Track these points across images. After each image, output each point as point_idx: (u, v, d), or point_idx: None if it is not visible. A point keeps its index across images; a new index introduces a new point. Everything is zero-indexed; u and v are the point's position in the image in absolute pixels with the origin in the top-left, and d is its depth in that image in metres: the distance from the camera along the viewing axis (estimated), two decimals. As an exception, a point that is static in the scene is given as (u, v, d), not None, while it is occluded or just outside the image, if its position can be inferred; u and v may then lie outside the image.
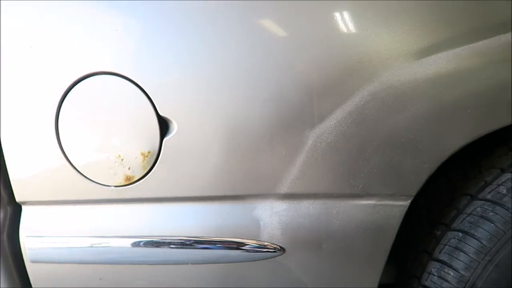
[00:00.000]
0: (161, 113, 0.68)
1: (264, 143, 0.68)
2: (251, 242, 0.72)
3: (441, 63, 0.62)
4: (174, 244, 0.75)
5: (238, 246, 0.73)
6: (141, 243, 0.76)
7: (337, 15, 0.64)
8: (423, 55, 0.63)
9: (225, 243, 0.73)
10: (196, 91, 0.68)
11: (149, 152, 0.71)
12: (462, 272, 0.71)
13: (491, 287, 0.69)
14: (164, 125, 0.70)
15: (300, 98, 0.66)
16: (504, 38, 0.61)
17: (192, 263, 0.75)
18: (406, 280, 0.87)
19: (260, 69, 0.66)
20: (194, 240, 0.74)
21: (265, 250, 0.72)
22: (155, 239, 0.76)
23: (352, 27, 0.64)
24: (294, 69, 0.65)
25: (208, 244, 0.73)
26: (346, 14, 0.63)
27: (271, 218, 0.72)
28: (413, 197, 0.68)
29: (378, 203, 0.69)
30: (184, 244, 0.74)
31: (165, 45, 0.67)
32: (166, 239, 0.75)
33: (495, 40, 0.61)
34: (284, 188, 0.70)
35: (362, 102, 0.64)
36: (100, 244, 0.77)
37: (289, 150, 0.68)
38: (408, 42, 0.63)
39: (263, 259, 0.73)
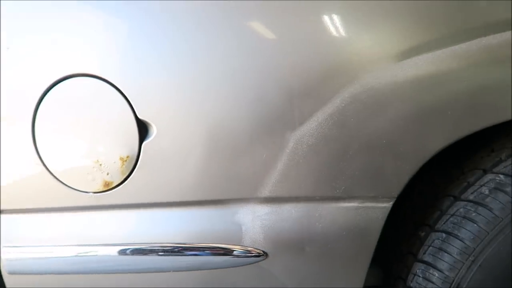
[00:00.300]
0: (140, 117, 0.67)
1: (245, 146, 0.67)
2: (233, 248, 0.71)
3: (421, 65, 0.62)
4: (154, 251, 0.73)
5: (220, 251, 0.71)
6: (125, 251, 0.74)
7: (319, 17, 0.63)
8: (404, 57, 0.62)
9: (206, 249, 0.72)
10: (175, 94, 0.67)
11: (128, 157, 0.69)
12: (447, 273, 0.70)
13: (475, 287, 0.69)
14: (143, 129, 0.68)
15: (281, 101, 0.65)
16: (485, 40, 0.61)
17: (173, 271, 0.73)
18: (392, 282, 0.86)
19: (240, 71, 0.65)
20: (174, 246, 0.72)
21: (247, 255, 0.71)
22: (134, 247, 0.74)
23: (333, 29, 0.63)
24: (275, 71, 0.65)
25: (189, 250, 0.72)
26: (327, 16, 0.63)
27: (253, 222, 0.70)
28: (395, 199, 0.67)
29: (360, 205, 0.68)
30: (164, 251, 0.73)
31: (145, 47, 0.66)
32: (146, 246, 0.74)
33: (476, 43, 0.61)
34: (265, 192, 0.69)
35: (343, 104, 0.64)
36: (80, 253, 0.75)
37: (270, 153, 0.67)
38: (389, 44, 0.63)
39: (246, 265, 0.71)
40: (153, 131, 0.68)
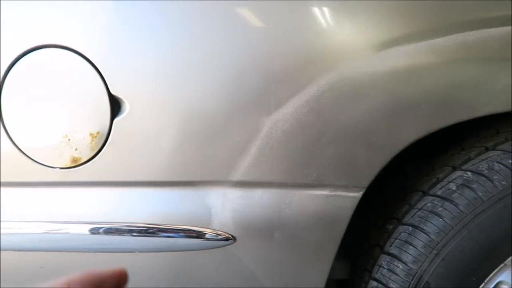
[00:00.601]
0: (113, 92, 0.65)
1: (219, 128, 0.66)
2: (202, 230, 0.70)
3: (399, 57, 0.62)
4: (122, 231, 0.71)
5: (189, 234, 0.71)
6: (94, 230, 0.72)
7: (299, 4, 0.62)
8: (382, 48, 0.63)
9: (174, 230, 0.70)
10: (151, 71, 0.65)
11: (98, 133, 0.67)
12: (410, 265, 0.72)
13: (437, 280, 0.70)
14: (115, 105, 0.67)
15: (258, 84, 0.64)
16: (461, 37, 0.61)
17: (140, 251, 0.72)
18: (358, 274, 0.87)
19: (218, 53, 0.64)
20: (142, 227, 0.71)
21: (215, 238, 0.70)
22: (101, 226, 0.72)
23: (313, 16, 0.63)
24: (253, 54, 0.64)
25: (157, 231, 0.71)
26: (308, 3, 0.62)
27: (223, 205, 0.70)
28: (365, 189, 0.68)
29: (331, 193, 0.68)
30: (132, 231, 0.71)
31: (122, 22, 0.64)
32: (113, 226, 0.72)
33: (452, 38, 0.61)
34: (237, 176, 0.68)
35: (320, 92, 0.64)
36: (50, 230, 0.73)
37: (244, 137, 0.66)
38: (368, 35, 0.63)
39: (213, 248, 0.71)
40: (126, 108, 0.66)
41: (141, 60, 0.65)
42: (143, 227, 0.72)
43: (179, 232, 0.71)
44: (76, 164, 0.69)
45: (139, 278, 0.77)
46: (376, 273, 0.77)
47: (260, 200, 0.70)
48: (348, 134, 0.65)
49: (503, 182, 0.66)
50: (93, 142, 0.67)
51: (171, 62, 0.65)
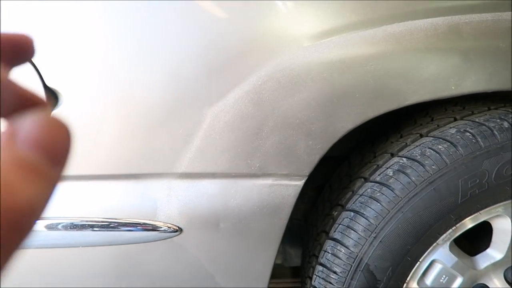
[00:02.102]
0: (48, 84, 0.63)
1: (161, 120, 0.66)
2: (148, 222, 0.70)
3: (333, 48, 0.64)
4: (64, 226, 0.70)
5: (134, 226, 0.70)
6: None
7: (239, -6, 0.63)
8: (318, 39, 0.65)
9: (119, 224, 0.70)
10: (89, 62, 0.64)
11: (35, 127, 0.65)
12: (352, 249, 0.75)
13: (376, 262, 0.74)
14: (52, 97, 0.65)
15: (198, 76, 0.65)
16: (390, 28, 0.64)
17: (83, 246, 0.71)
18: (307, 259, 0.90)
19: (156, 45, 0.64)
20: (85, 221, 0.70)
21: (161, 230, 0.70)
22: (44, 221, 0.71)
23: (251, 8, 0.64)
24: (192, 45, 0.64)
25: (101, 225, 0.70)
26: (249, -5, 0.63)
27: (168, 197, 0.70)
28: (307, 177, 0.70)
29: (274, 183, 0.70)
30: (74, 226, 0.70)
31: (57, 12, 0.63)
32: (55, 221, 0.70)
33: (381, 30, 0.64)
34: (182, 167, 0.69)
35: (259, 83, 0.65)
36: None
37: (187, 128, 0.67)
38: (305, 26, 0.65)
39: (159, 240, 0.71)
40: (62, 100, 0.65)
41: (78, 52, 0.64)
42: (90, 221, 0.70)
43: (123, 225, 0.71)
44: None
45: (85, 274, 0.75)
46: (322, 258, 0.80)
47: (205, 191, 0.70)
48: (288, 124, 0.66)
49: (433, 166, 0.70)
50: (30, 137, 0.66)
51: (108, 55, 0.64)
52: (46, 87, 0.64)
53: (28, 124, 0.18)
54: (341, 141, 0.90)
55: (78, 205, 0.70)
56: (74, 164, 0.68)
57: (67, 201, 0.70)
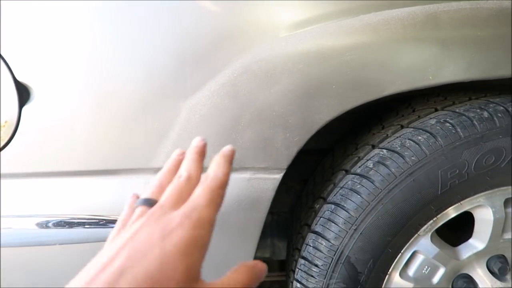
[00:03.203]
0: (19, 78, 0.62)
1: (136, 115, 0.65)
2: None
3: (309, 38, 0.63)
4: (41, 224, 0.69)
5: (111, 223, 0.69)
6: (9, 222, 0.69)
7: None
8: (293, 29, 0.63)
9: (96, 220, 0.69)
10: (61, 55, 0.63)
11: (6, 122, 0.64)
12: (332, 242, 0.74)
13: (356, 254, 0.74)
14: (24, 92, 0.63)
15: (173, 68, 0.63)
16: (367, 18, 0.63)
17: (60, 244, 0.70)
18: (291, 253, 0.90)
19: (130, 35, 0.62)
20: (62, 218, 0.69)
21: (139, 226, 0.69)
22: (21, 218, 0.69)
23: (227, -2, 0.62)
24: (166, 36, 0.63)
25: (78, 222, 0.69)
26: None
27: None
28: (285, 170, 0.69)
29: (252, 176, 0.69)
30: (52, 223, 0.69)
31: (28, 6, 0.61)
32: (33, 219, 0.69)
33: (358, 19, 0.63)
34: (159, 162, 0.68)
35: (235, 75, 0.64)
36: None
37: (163, 122, 0.65)
38: (280, 16, 0.63)
39: (137, 236, 0.70)
40: (34, 95, 0.63)
41: (48, 45, 0.62)
42: (64, 219, 0.69)
43: (101, 222, 0.70)
44: (-15, 156, 0.65)
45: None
46: (304, 251, 0.80)
47: (183, 186, 0.69)
48: (265, 117, 0.65)
49: (412, 158, 0.70)
50: (2, 132, 0.64)
51: (80, 48, 0.62)
52: (16, 82, 0.62)
53: None
54: (326, 133, 0.90)
55: (55, 202, 0.69)
56: (49, 160, 0.67)
57: (44, 199, 0.69)
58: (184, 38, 0.63)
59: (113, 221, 0.71)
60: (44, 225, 0.69)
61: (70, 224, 0.68)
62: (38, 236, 0.71)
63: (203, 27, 0.63)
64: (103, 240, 0.71)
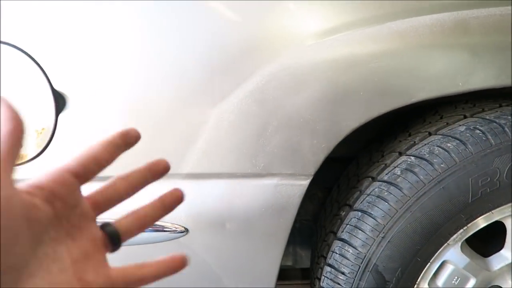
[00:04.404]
0: (56, 87, 0.65)
1: (166, 121, 0.67)
2: (163, 224, 0.70)
3: (337, 46, 0.64)
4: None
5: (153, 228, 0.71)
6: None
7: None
8: (321, 37, 0.64)
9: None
10: (94, 65, 0.65)
11: (43, 129, 0.66)
12: (359, 249, 0.74)
13: (384, 262, 0.73)
14: (60, 100, 0.66)
15: (202, 76, 0.65)
16: (394, 25, 0.64)
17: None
18: (316, 260, 0.89)
19: (160, 45, 0.65)
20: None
21: (168, 230, 0.70)
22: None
23: (255, 7, 0.64)
24: (196, 45, 0.65)
25: (109, 226, 0.70)
26: (251, -5, 0.64)
27: (174, 198, 0.70)
28: (312, 177, 0.69)
29: (279, 182, 0.70)
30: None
31: (64, 16, 0.64)
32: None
33: (386, 27, 0.63)
34: (187, 168, 0.69)
35: (263, 82, 0.65)
36: None
37: (192, 129, 0.67)
38: (308, 24, 0.64)
39: (166, 240, 0.71)
40: (70, 103, 0.66)
41: (84, 56, 0.65)
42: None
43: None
44: (22, 161, 0.68)
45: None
46: (330, 258, 0.79)
47: (211, 191, 0.71)
48: (292, 123, 0.66)
49: (442, 165, 0.69)
50: (39, 139, 0.67)
51: (113, 57, 0.65)
52: (53, 90, 0.65)
53: None
54: (350, 141, 0.89)
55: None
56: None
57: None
58: (213, 47, 0.64)
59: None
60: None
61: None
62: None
63: (231, 36, 0.64)
64: (137, 243, 0.72)
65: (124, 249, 0.73)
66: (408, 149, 0.76)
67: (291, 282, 1.24)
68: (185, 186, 0.71)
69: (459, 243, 0.75)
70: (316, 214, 1.08)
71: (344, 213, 0.81)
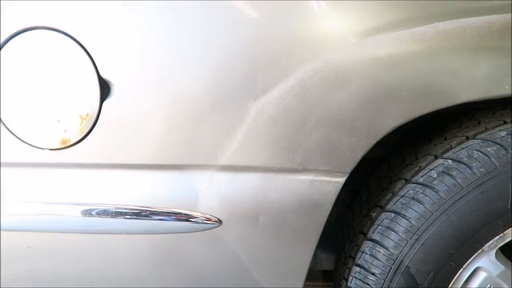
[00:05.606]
0: (102, 75, 0.66)
1: (206, 113, 0.68)
2: (188, 213, 0.72)
3: (381, 45, 0.64)
4: (110, 213, 0.73)
5: (175, 216, 0.72)
6: (87, 212, 0.73)
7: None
8: (365, 36, 0.64)
9: (161, 213, 0.72)
10: (140, 55, 0.67)
11: (87, 115, 0.68)
12: (392, 250, 0.73)
13: (417, 265, 0.72)
14: (105, 87, 0.68)
15: (244, 69, 0.66)
16: (442, 25, 0.63)
17: (126, 233, 0.73)
18: (343, 261, 0.89)
19: (205, 37, 0.65)
20: (130, 209, 0.72)
21: (202, 221, 0.71)
22: (89, 207, 0.73)
23: (300, 4, 0.64)
24: (240, 41, 0.65)
25: (144, 213, 0.72)
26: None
27: (209, 189, 0.71)
28: (348, 174, 0.69)
29: (315, 178, 0.70)
30: (120, 213, 0.72)
31: (113, 4, 0.66)
32: (102, 207, 0.73)
33: (432, 27, 0.63)
34: (224, 160, 0.70)
35: (305, 78, 0.65)
36: (43, 211, 0.74)
37: (231, 121, 0.68)
38: (352, 22, 0.65)
39: (199, 231, 0.72)
40: (115, 90, 0.67)
41: (130, 44, 0.66)
42: (135, 209, 0.73)
43: (165, 215, 0.72)
44: (66, 145, 0.70)
45: (128, 260, 0.78)
46: (359, 259, 0.79)
47: (246, 184, 0.71)
48: (332, 119, 0.66)
49: (481, 169, 0.68)
50: (83, 124, 0.69)
51: (159, 47, 0.66)
52: (99, 77, 0.67)
53: None
54: (379, 143, 0.89)
55: (124, 193, 0.73)
56: (123, 153, 0.70)
57: (114, 189, 0.73)
58: (257, 41, 0.65)
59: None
60: (102, 214, 0.72)
61: (138, 215, 0.72)
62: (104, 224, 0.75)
63: (276, 31, 0.65)
64: (165, 231, 0.73)
65: (158, 237, 0.75)
66: (444, 152, 0.75)
67: (313, 283, 1.24)
68: (221, 178, 0.73)
69: (494, 250, 0.73)
70: (340, 217, 1.07)
71: (375, 214, 0.81)
